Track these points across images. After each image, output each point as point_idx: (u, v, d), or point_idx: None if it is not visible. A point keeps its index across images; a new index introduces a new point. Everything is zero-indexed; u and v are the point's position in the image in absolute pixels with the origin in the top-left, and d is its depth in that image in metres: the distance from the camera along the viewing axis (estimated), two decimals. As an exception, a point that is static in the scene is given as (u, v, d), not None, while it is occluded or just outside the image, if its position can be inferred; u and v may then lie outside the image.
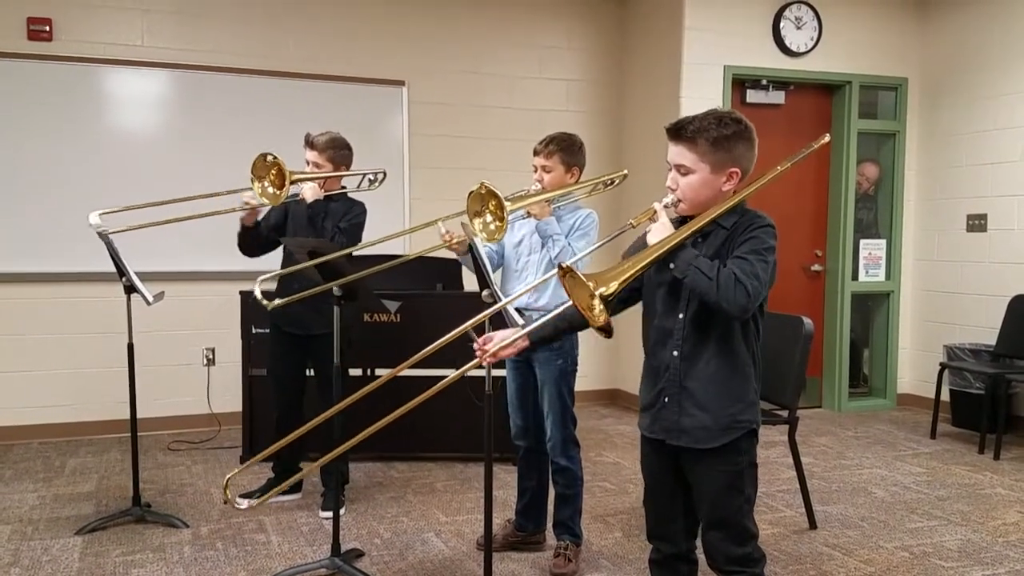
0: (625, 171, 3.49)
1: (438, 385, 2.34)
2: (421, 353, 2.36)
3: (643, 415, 2.34)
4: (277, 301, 3.30)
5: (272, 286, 4.13)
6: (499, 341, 2.42)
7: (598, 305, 1.93)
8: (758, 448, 2.29)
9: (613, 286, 1.94)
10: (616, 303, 2.34)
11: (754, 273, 2.06)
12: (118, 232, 3.74)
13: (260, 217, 4.07)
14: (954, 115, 6.32)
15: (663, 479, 2.34)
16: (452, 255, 3.39)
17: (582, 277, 1.92)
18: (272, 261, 4.21)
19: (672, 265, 2.11)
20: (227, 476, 2.30)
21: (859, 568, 3.48)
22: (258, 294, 3.16)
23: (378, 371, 4.90)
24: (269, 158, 3.63)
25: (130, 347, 3.91)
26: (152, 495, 4.26)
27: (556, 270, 2.03)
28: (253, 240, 4.08)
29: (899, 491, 4.52)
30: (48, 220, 5.31)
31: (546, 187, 3.33)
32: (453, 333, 2.37)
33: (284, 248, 4.03)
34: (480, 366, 2.45)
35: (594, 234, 3.35)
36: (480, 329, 2.52)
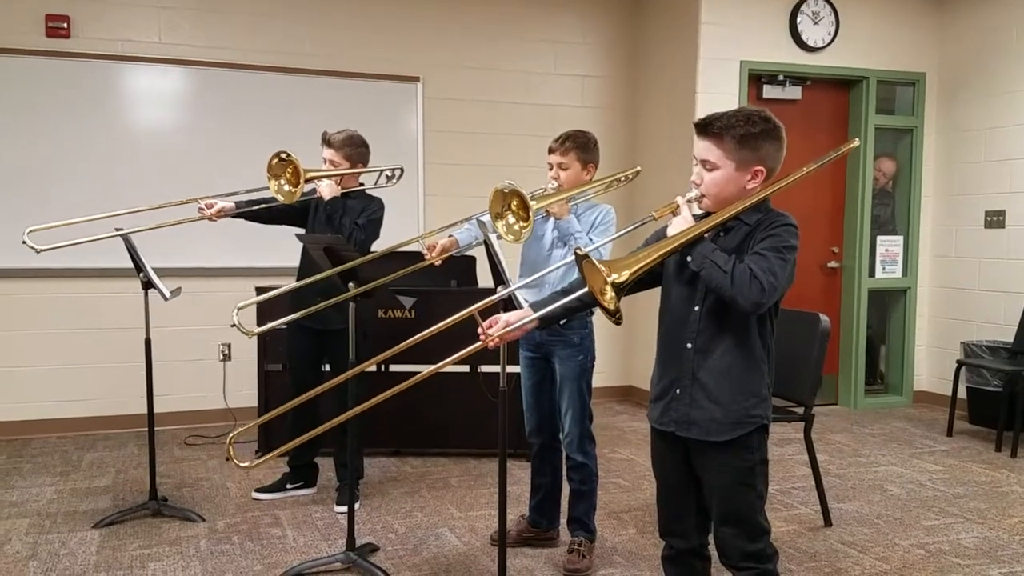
0: (638, 167, 3.49)
1: (442, 363, 2.33)
2: (423, 334, 2.35)
3: (653, 406, 2.33)
4: (257, 328, 3.26)
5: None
6: (504, 325, 2.42)
7: (610, 291, 1.95)
8: (773, 445, 2.29)
9: (625, 274, 1.96)
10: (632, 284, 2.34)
11: (771, 270, 2.05)
12: (51, 249, 3.78)
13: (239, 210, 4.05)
14: (972, 111, 6.27)
15: (674, 475, 2.33)
16: (466, 252, 3.39)
17: (597, 264, 1.95)
18: (290, 258, 4.23)
19: (689, 258, 2.11)
20: (230, 435, 2.33)
21: (874, 566, 3.47)
22: (236, 320, 3.04)
23: (392, 367, 4.92)
24: (283, 156, 3.65)
25: (147, 342, 3.94)
26: (168, 489, 4.29)
27: (571, 256, 2.06)
28: (251, 216, 4.08)
29: (915, 488, 4.50)
30: (65, 216, 5.31)
31: (563, 185, 3.33)
32: (460, 314, 2.38)
33: (302, 247, 4.05)
34: (486, 349, 2.44)
35: (614, 229, 3.35)
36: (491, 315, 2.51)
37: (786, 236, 2.12)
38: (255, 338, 4.94)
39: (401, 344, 2.45)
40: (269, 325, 3.38)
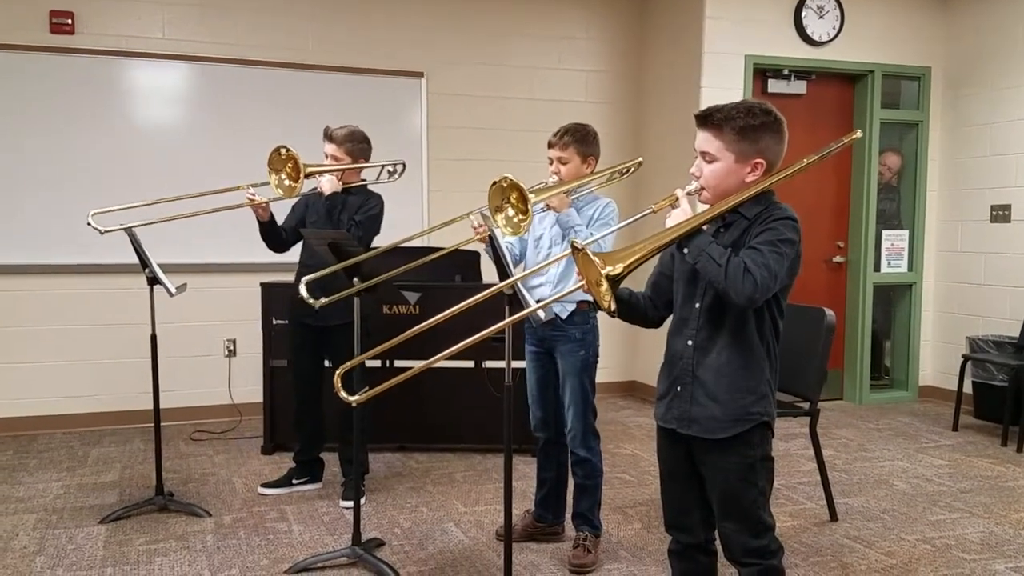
0: (640, 159, 3.47)
1: (457, 345, 2.31)
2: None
3: (658, 404, 2.34)
4: (323, 300, 3.16)
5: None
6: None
7: (605, 284, 1.95)
8: (778, 440, 2.28)
9: (620, 267, 1.96)
10: (663, 307, 2.36)
11: (765, 264, 2.04)
12: (111, 231, 3.78)
13: (281, 211, 4.08)
14: (978, 105, 6.25)
15: (678, 469, 2.33)
16: (472, 246, 3.39)
17: (592, 256, 1.95)
18: (295, 254, 4.24)
19: (685, 250, 2.10)
20: None
21: (880, 560, 3.47)
22: (304, 294, 3.12)
23: (397, 363, 4.93)
24: (283, 151, 3.65)
25: (153, 338, 3.95)
26: (175, 484, 4.30)
27: (570, 250, 2.06)
28: (272, 235, 4.10)
29: (921, 483, 4.49)
30: (70, 212, 5.34)
31: (563, 179, 3.32)
32: (463, 304, 2.38)
33: (303, 240, 4.06)
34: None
35: (615, 224, 3.34)
36: (499, 312, 2.51)
37: (783, 230, 2.10)
38: (259, 333, 4.96)
39: (404, 334, 2.44)
40: (334, 297, 3.19)
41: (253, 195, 3.87)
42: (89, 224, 3.75)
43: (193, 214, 3.93)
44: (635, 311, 2.37)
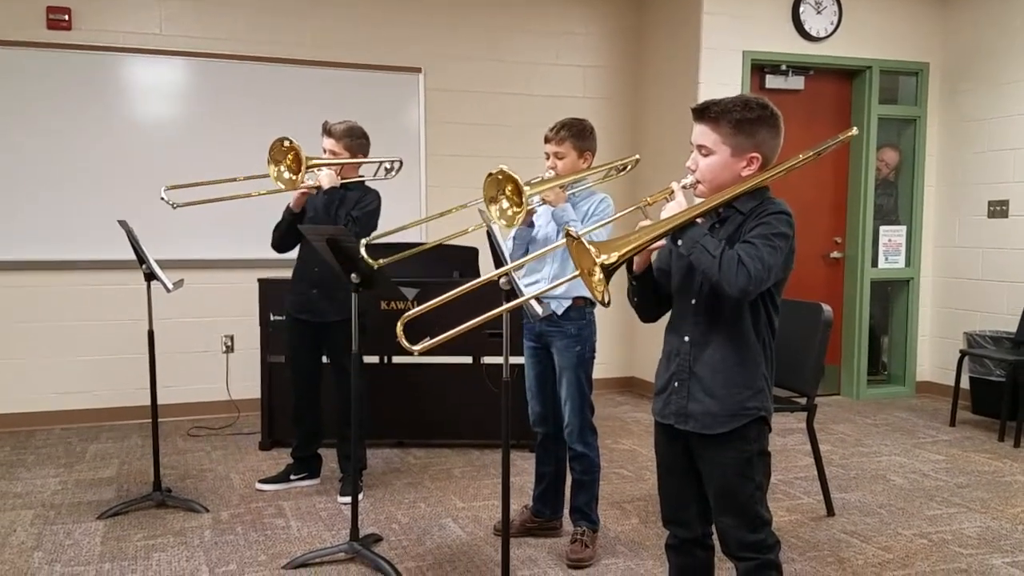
0: (637, 156, 3.48)
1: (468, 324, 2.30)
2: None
3: (656, 399, 2.34)
4: (382, 260, 3.21)
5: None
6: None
7: (599, 273, 1.95)
8: (776, 435, 2.28)
9: (615, 256, 1.96)
10: (664, 301, 2.35)
11: (759, 257, 2.04)
12: (186, 205, 3.86)
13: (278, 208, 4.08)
14: (975, 100, 6.25)
15: (675, 464, 2.34)
16: (470, 242, 3.39)
17: (587, 244, 1.95)
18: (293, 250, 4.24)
19: (679, 242, 2.10)
20: None
21: (877, 555, 3.47)
22: (363, 252, 3.19)
23: (395, 359, 4.93)
24: (286, 143, 3.65)
25: (150, 334, 3.95)
26: (172, 480, 4.30)
27: (564, 238, 2.06)
28: (291, 229, 4.06)
29: (918, 478, 4.50)
30: (67, 208, 5.36)
31: (559, 174, 3.31)
32: (455, 292, 2.38)
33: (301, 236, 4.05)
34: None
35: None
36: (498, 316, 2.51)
37: (776, 224, 2.10)
38: (257, 329, 4.95)
39: (407, 313, 2.43)
40: (392, 258, 3.27)
41: (309, 183, 3.87)
42: (163, 199, 3.81)
43: (242, 196, 3.95)
44: (659, 290, 2.31)
